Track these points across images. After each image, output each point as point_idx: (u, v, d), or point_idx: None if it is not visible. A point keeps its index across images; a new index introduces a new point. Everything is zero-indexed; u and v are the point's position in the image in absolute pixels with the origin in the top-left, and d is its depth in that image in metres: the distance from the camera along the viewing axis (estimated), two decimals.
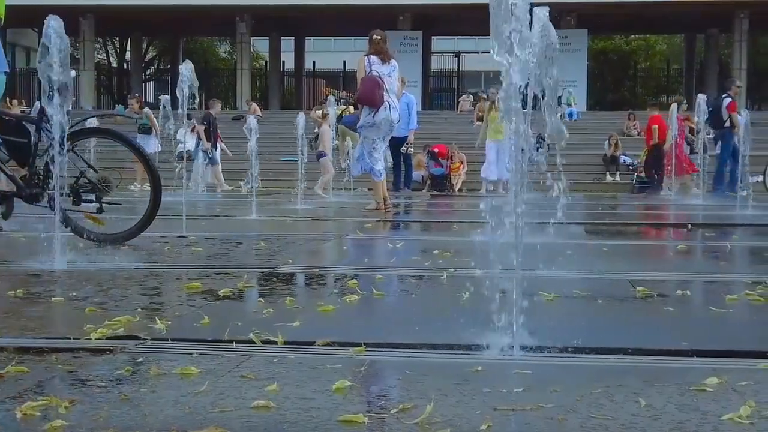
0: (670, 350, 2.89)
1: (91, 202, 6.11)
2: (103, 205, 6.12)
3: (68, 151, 5.70)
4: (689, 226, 8.85)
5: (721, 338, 3.15)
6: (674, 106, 18.75)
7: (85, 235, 6.05)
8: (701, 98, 16.58)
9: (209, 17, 35.75)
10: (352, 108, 21.26)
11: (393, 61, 10.53)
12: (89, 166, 6.29)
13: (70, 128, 5.89)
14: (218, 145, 19.04)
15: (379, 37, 10.44)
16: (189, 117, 9.00)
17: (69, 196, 5.99)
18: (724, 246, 6.76)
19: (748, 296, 3.98)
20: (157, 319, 3.27)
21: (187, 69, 8.39)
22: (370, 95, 10.31)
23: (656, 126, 19.15)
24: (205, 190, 17.99)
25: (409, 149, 18.34)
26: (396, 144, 16.07)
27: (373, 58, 10.32)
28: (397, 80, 10.69)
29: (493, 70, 3.02)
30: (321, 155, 15.97)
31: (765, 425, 2.07)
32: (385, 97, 10.23)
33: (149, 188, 6.35)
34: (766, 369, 2.64)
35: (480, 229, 7.40)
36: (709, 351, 2.88)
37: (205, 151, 18.39)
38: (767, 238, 8.31)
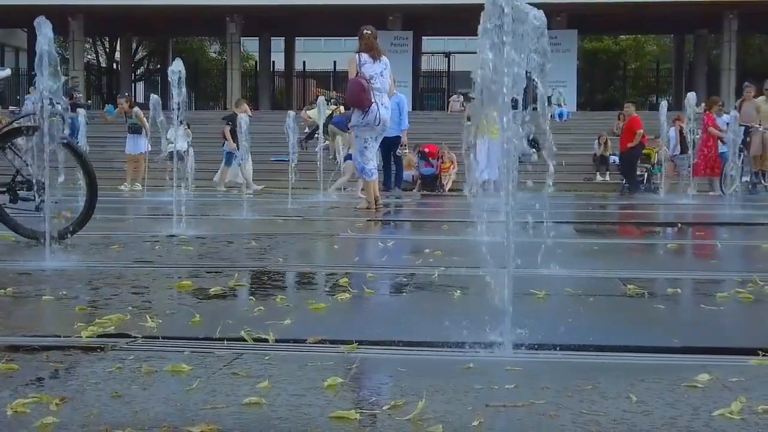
0: (661, 347, 2.90)
1: (28, 200, 6.09)
2: (42, 203, 6.09)
3: (2, 149, 5.72)
4: (680, 225, 8.88)
5: (711, 335, 3.16)
6: (664, 103, 18.78)
7: (20, 231, 6.05)
8: (691, 97, 16.62)
9: (199, 17, 35.67)
10: (342, 108, 21.24)
11: (384, 58, 10.48)
12: (28, 165, 6.28)
13: (3, 128, 5.91)
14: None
15: (369, 32, 10.40)
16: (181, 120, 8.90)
17: (6, 194, 6.02)
18: (714, 244, 6.79)
19: (738, 294, 4.00)
20: (148, 317, 3.27)
21: (177, 68, 8.35)
22: (356, 98, 10.32)
23: (641, 131, 19.11)
24: (247, 190, 17.70)
25: (404, 151, 18.34)
26: (387, 144, 16.04)
27: (365, 56, 10.28)
28: (389, 78, 10.64)
29: None
30: (349, 157, 15.99)
31: (756, 420, 2.08)
32: (372, 97, 10.20)
33: (85, 188, 6.26)
34: (757, 365, 2.65)
35: (470, 228, 7.40)
36: (700, 348, 2.90)
37: (230, 153, 18.17)
38: (758, 236, 8.33)
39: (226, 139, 18.25)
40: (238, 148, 17.97)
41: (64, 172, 5.80)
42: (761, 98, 17.11)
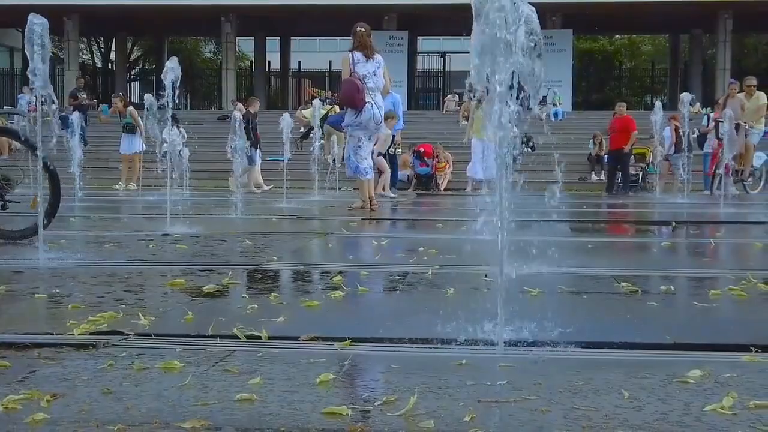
0: (654, 344, 2.90)
1: None
2: (7, 202, 6.09)
3: None
4: (674, 223, 8.90)
5: (704, 332, 3.16)
6: (658, 104, 18.81)
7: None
8: (685, 96, 16.64)
9: (194, 17, 35.65)
10: (337, 108, 21.24)
11: (378, 57, 10.46)
12: None
13: None
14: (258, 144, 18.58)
15: (362, 30, 10.38)
16: (174, 119, 8.85)
17: None
18: (707, 242, 6.80)
19: (731, 291, 4.00)
20: (140, 314, 3.26)
21: (172, 66, 8.31)
22: (350, 98, 10.32)
23: (636, 132, 19.08)
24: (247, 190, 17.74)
25: (397, 150, 18.37)
26: None
27: (358, 55, 10.27)
28: (383, 76, 10.58)
29: None
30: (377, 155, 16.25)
31: (748, 415, 2.08)
32: (366, 97, 10.20)
33: (48, 189, 6.23)
34: (749, 361, 2.65)
35: (465, 227, 7.40)
36: (692, 344, 2.90)
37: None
38: (751, 234, 8.35)
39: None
40: (255, 147, 17.95)
41: (27, 172, 5.79)
42: (741, 94, 17.12)
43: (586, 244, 6.69)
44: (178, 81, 8.21)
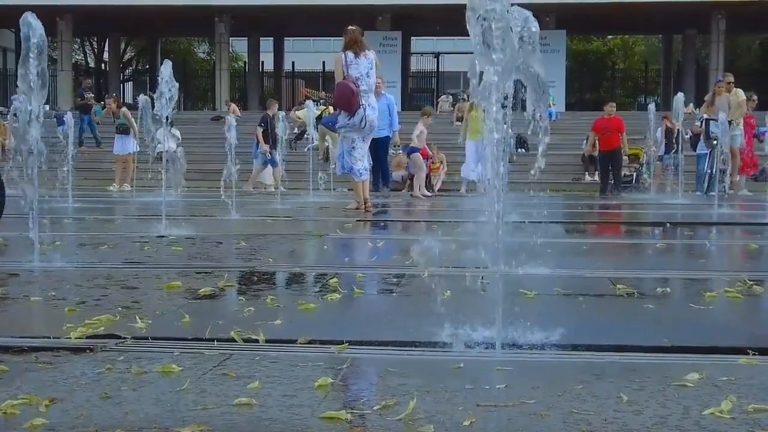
0: (651, 347, 2.90)
1: None
2: None
3: None
4: (668, 224, 8.91)
5: (701, 335, 3.16)
6: (652, 106, 18.81)
7: None
8: (679, 97, 16.65)
9: (188, 17, 35.57)
10: (331, 109, 21.23)
11: (370, 55, 10.42)
12: None
13: None
14: (278, 145, 18.56)
15: (354, 28, 10.37)
16: (168, 120, 8.80)
17: None
18: (702, 243, 6.80)
19: (727, 293, 4.01)
20: (137, 318, 3.26)
21: (166, 69, 8.29)
22: (345, 102, 10.30)
23: (624, 134, 19.05)
24: (264, 190, 17.72)
25: (398, 151, 18.43)
26: (376, 144, 16.04)
27: (350, 56, 10.25)
28: (375, 73, 10.53)
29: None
30: (412, 150, 16.35)
31: (746, 419, 2.08)
32: (361, 100, 10.18)
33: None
34: (746, 365, 2.66)
35: (460, 228, 7.38)
36: (690, 347, 2.90)
37: (264, 153, 18.05)
38: (746, 235, 8.36)
39: (259, 141, 18.11)
40: (273, 149, 17.93)
41: None
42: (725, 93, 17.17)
43: (581, 246, 6.69)
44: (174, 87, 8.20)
